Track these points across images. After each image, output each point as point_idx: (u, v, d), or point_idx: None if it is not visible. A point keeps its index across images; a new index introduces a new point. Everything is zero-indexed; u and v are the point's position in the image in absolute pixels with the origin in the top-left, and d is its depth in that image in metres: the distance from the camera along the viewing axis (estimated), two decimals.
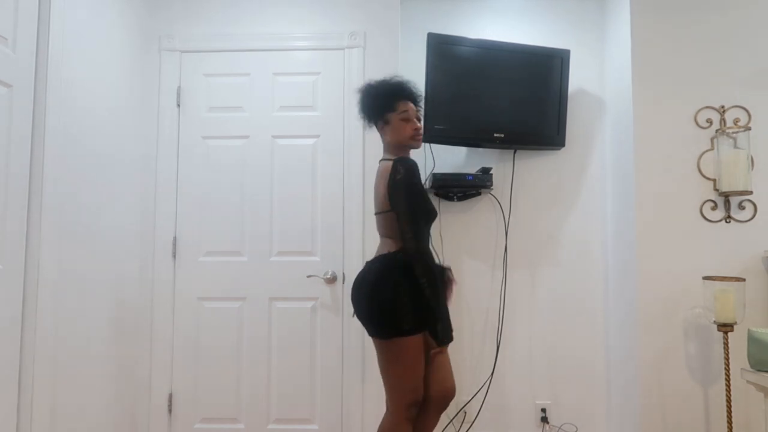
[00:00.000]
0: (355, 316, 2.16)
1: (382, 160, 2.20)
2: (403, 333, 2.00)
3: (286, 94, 2.91)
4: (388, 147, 2.22)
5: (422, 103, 2.35)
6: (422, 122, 2.31)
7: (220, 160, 2.90)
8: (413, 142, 2.21)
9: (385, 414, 2.09)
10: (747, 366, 2.15)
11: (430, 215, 2.18)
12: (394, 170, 2.06)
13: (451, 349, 2.97)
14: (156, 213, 2.87)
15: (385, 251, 2.11)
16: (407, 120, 2.19)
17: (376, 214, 2.17)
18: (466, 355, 3.03)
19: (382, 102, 2.21)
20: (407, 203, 2.04)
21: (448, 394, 2.19)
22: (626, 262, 2.79)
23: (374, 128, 2.27)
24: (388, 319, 2.01)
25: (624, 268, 2.83)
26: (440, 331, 2.02)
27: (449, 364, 2.21)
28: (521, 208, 3.09)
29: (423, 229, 2.11)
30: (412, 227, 2.02)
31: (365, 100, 2.24)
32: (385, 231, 2.13)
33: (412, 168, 2.09)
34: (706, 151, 2.68)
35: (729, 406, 2.43)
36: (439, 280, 2.06)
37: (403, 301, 2.00)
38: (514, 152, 3.07)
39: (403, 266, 2.02)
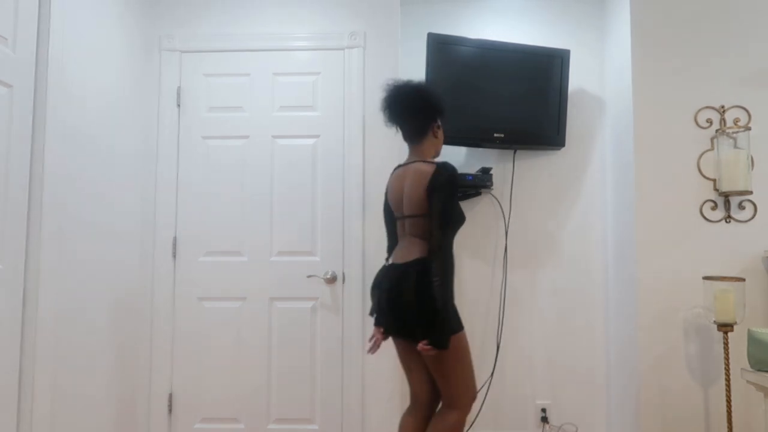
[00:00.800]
0: (386, 320, 2.13)
1: (417, 162, 2.15)
2: (456, 330, 2.02)
3: (286, 94, 2.91)
4: (427, 151, 2.20)
5: None
6: None
7: (220, 160, 2.90)
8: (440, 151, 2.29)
9: (448, 412, 2.06)
10: (747, 366, 2.15)
11: (462, 220, 2.14)
12: (438, 173, 2.05)
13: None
14: (156, 213, 2.87)
15: (418, 255, 2.06)
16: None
17: (409, 216, 2.12)
18: None
19: (444, 105, 2.22)
20: (445, 206, 2.02)
21: None
22: (626, 262, 2.79)
23: (394, 127, 2.24)
24: None
25: (624, 268, 2.83)
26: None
27: None
28: (521, 208, 3.09)
29: (453, 233, 2.07)
30: (444, 230, 2.00)
31: (436, 96, 2.19)
32: (423, 233, 2.08)
33: (455, 173, 2.08)
34: (706, 151, 2.68)
35: (729, 406, 2.43)
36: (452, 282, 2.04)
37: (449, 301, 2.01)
38: (514, 152, 3.07)
39: None
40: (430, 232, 2.02)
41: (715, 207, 2.66)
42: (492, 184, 2.98)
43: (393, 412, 2.73)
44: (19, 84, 2.03)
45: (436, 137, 2.22)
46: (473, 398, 2.09)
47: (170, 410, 2.82)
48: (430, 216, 2.03)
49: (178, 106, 2.92)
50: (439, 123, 2.22)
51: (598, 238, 3.07)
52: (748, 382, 2.14)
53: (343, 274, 2.81)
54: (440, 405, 2.13)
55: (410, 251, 2.10)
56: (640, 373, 2.63)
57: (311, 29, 2.92)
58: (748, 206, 2.65)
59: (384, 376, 2.75)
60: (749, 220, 2.65)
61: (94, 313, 2.46)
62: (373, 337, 2.21)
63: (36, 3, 2.12)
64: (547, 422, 2.98)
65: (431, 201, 2.03)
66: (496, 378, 2.99)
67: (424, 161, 2.14)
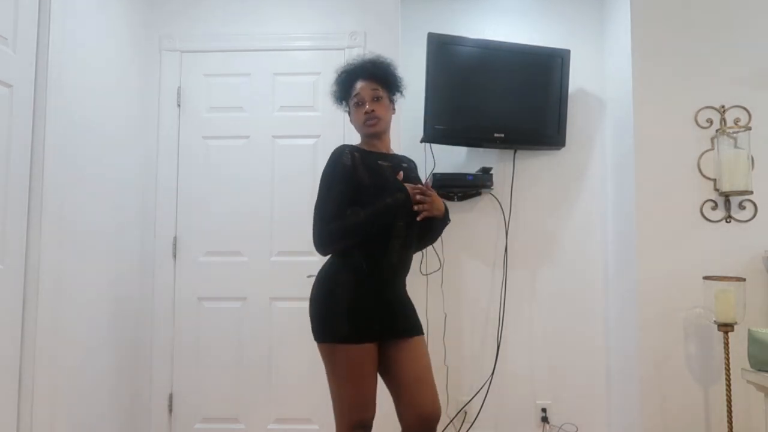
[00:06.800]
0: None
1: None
2: None
3: (286, 94, 2.91)
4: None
5: (391, 79, 2.00)
6: (380, 102, 1.95)
7: (220, 160, 2.90)
8: (364, 128, 1.95)
9: None
10: (747, 366, 2.15)
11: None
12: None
13: (452, 349, 3.00)
14: (156, 213, 2.87)
15: None
16: (359, 105, 1.95)
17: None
18: (466, 355, 3.03)
19: (339, 89, 2.01)
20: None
21: None
22: (626, 262, 2.79)
23: None
24: None
25: (624, 268, 2.82)
26: None
27: None
28: (521, 208, 3.08)
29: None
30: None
31: (331, 90, 2.05)
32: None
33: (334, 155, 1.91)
34: (706, 151, 2.68)
35: (729, 406, 2.43)
36: None
37: None
38: (515, 152, 3.07)
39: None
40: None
41: (715, 207, 2.66)
42: (492, 184, 2.98)
43: (393, 412, 2.71)
44: (19, 84, 2.03)
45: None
46: None
47: (170, 410, 2.82)
48: None
49: (178, 106, 2.92)
50: (346, 106, 2.03)
51: (598, 238, 3.07)
52: (748, 382, 2.14)
53: None
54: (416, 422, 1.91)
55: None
56: (641, 373, 2.63)
57: (311, 29, 2.92)
58: (749, 206, 2.65)
59: None
60: (749, 220, 2.64)
61: (94, 313, 2.46)
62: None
63: (36, 3, 2.12)
64: (547, 422, 2.97)
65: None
66: (496, 378, 2.99)
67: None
